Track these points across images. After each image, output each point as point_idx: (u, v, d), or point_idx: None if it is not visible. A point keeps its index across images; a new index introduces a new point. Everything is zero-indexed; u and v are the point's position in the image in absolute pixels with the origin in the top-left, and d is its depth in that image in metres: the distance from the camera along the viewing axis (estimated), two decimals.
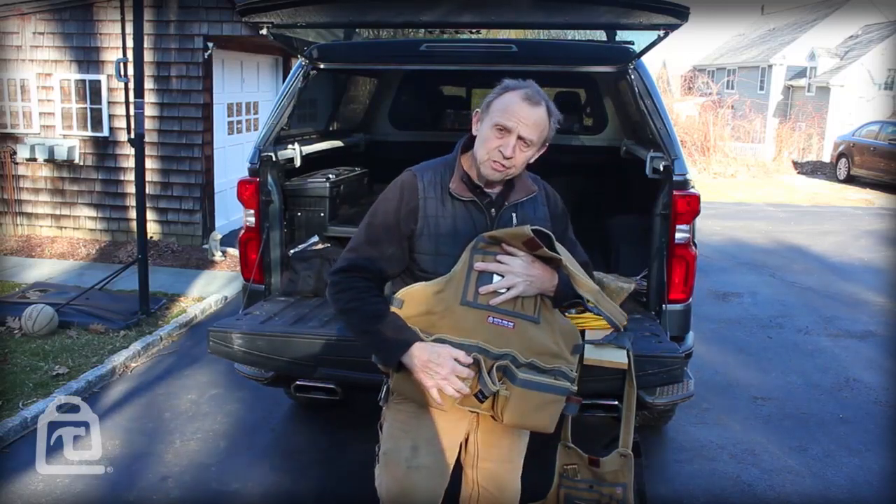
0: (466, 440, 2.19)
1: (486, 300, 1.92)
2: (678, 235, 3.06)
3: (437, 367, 1.86)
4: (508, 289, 1.93)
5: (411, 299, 1.94)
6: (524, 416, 1.96)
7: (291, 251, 3.60)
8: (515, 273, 1.94)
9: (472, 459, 2.21)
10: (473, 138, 2.02)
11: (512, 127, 1.91)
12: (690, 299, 3.16)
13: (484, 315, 1.92)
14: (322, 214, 3.79)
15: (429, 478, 2.09)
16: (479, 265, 1.93)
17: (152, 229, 7.51)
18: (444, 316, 1.92)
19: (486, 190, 2.02)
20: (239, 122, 8.64)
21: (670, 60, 26.82)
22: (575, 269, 2.03)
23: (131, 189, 7.14)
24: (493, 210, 2.02)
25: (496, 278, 1.94)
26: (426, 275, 1.99)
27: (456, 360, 1.88)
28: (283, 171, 3.55)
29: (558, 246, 2.00)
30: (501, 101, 1.94)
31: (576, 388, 2.01)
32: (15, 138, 7.85)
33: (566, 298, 2.03)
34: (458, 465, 2.24)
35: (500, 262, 1.94)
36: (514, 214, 2.03)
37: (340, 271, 2.00)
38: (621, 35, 3.64)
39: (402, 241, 2.00)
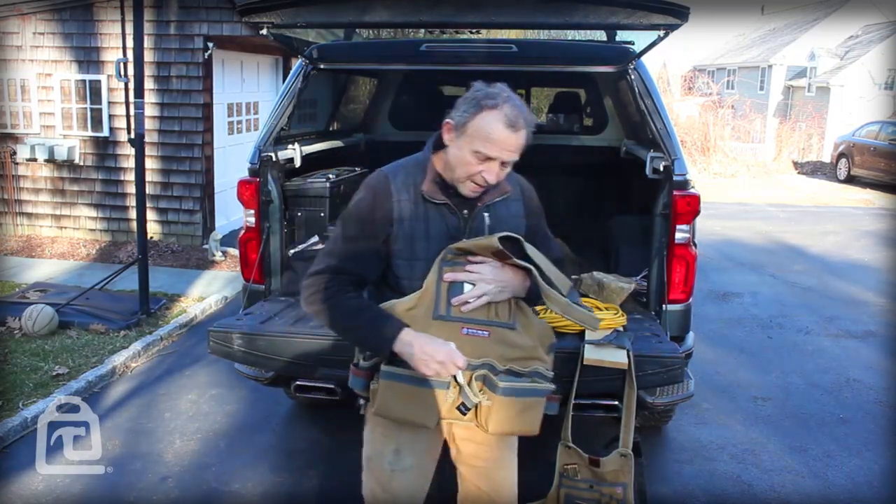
0: (454, 439, 2.17)
1: (459, 311, 1.91)
2: (678, 235, 3.06)
3: (436, 351, 1.83)
4: (480, 297, 1.91)
5: None
6: (508, 423, 1.95)
7: (291, 251, 3.60)
8: (486, 280, 1.91)
9: (463, 458, 2.18)
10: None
11: (496, 156, 1.86)
12: (690, 299, 3.16)
13: (458, 327, 1.90)
14: (322, 214, 3.79)
15: (412, 479, 2.09)
16: (448, 275, 1.91)
17: (152, 229, 7.51)
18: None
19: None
20: (239, 122, 8.64)
21: (670, 60, 26.82)
22: (548, 270, 1.98)
23: (131, 189, 7.14)
24: (465, 211, 1.98)
25: (467, 287, 1.91)
26: (401, 280, 1.97)
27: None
28: (283, 171, 3.55)
29: (530, 249, 1.97)
30: (480, 125, 1.85)
31: (553, 386, 2.00)
32: (15, 138, 7.85)
33: (539, 298, 1.98)
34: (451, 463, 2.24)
35: (469, 270, 1.92)
36: (486, 215, 2.00)
37: (316, 274, 1.97)
38: (621, 35, 3.64)
39: (378, 244, 1.97)
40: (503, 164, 1.90)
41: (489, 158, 1.87)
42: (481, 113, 1.85)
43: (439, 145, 1.99)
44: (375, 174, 2.04)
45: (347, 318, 1.93)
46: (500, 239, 1.91)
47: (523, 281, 1.97)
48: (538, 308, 2.08)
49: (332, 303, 1.93)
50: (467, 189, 1.93)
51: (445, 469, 2.22)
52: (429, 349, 1.83)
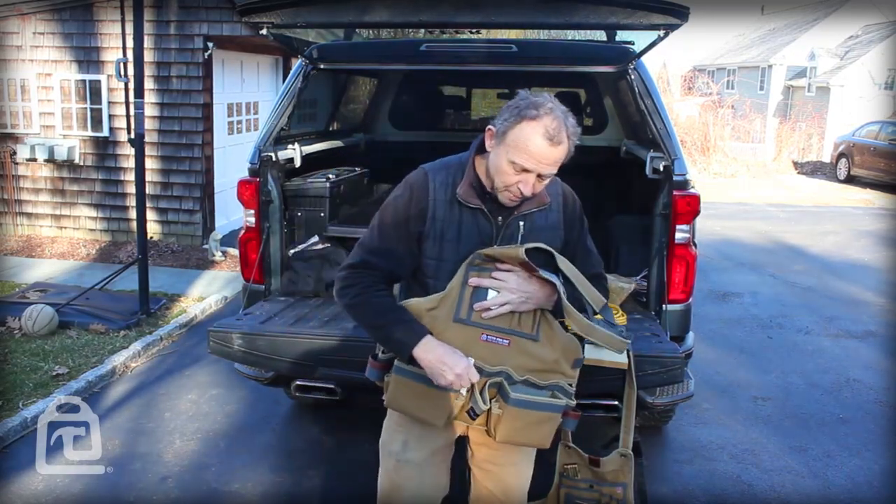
0: (470, 442, 2.18)
1: (480, 317, 1.90)
2: (678, 235, 3.06)
3: (454, 364, 1.84)
4: (502, 305, 1.90)
5: None
6: (517, 434, 1.94)
7: (291, 251, 3.60)
8: (510, 289, 1.90)
9: (476, 461, 2.20)
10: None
11: (532, 168, 1.82)
12: (690, 299, 3.16)
13: (478, 333, 1.90)
14: (322, 214, 3.79)
15: (417, 474, 2.10)
16: (473, 280, 1.91)
17: (152, 229, 7.51)
18: (436, 333, 1.89)
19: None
20: (239, 122, 8.64)
21: (670, 60, 26.81)
22: (580, 286, 1.96)
23: (131, 189, 7.14)
24: (500, 218, 1.95)
25: (492, 294, 1.91)
26: (428, 279, 1.99)
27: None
28: (283, 171, 3.55)
29: (562, 262, 1.95)
30: (519, 135, 1.80)
31: (574, 402, 1.98)
32: (15, 138, 7.85)
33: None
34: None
35: (495, 277, 1.91)
36: (521, 224, 1.97)
37: (349, 267, 2.00)
38: (621, 35, 3.64)
39: (410, 242, 1.97)
40: (540, 176, 1.86)
41: (525, 170, 1.83)
42: (521, 123, 1.81)
43: (483, 149, 1.96)
44: (417, 171, 2.02)
45: (374, 317, 1.95)
46: (533, 250, 1.91)
47: (550, 294, 1.94)
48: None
49: (360, 299, 1.96)
50: (506, 199, 1.91)
51: (462, 469, 2.24)
52: (448, 361, 1.84)
